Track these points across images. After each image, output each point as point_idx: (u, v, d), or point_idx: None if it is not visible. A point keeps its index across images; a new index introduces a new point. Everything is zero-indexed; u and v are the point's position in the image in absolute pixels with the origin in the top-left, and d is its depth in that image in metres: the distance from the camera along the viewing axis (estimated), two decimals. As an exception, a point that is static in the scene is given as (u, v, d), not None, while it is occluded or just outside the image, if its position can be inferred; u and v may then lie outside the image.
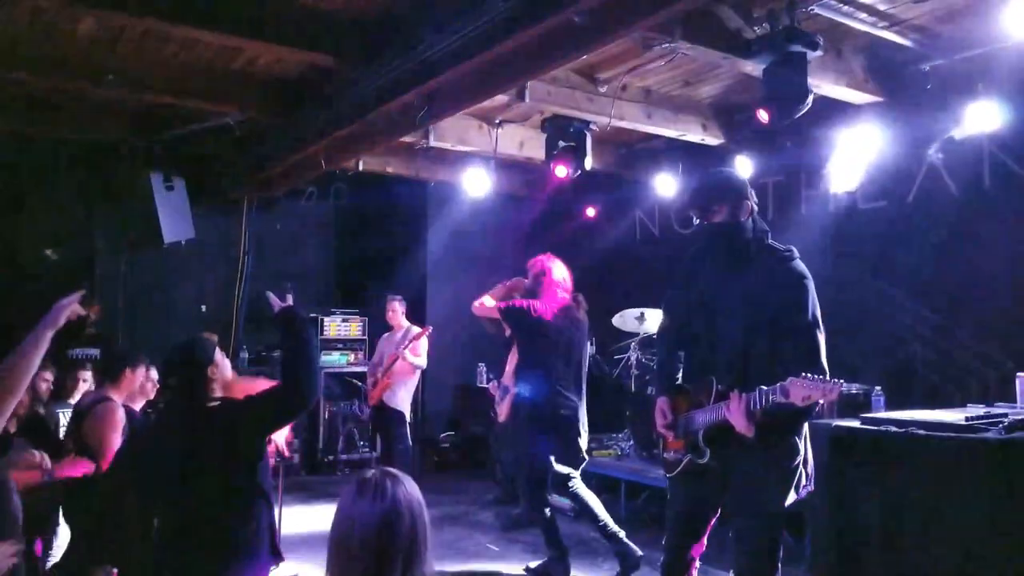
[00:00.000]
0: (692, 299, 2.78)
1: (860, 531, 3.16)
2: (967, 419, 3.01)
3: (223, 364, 2.65)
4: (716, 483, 2.68)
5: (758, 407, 2.44)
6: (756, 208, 2.76)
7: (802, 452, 2.64)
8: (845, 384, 4.82)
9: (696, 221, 2.78)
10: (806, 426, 2.69)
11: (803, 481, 2.67)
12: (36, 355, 2.18)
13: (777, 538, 2.65)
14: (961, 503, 2.86)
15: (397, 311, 6.16)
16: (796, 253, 2.69)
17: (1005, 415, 3.07)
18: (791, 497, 2.63)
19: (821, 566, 3.47)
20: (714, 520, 2.77)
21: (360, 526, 1.43)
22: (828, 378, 2.35)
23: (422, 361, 5.97)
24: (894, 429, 3.11)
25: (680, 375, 2.86)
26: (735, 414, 2.48)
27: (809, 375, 2.31)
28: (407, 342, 5.87)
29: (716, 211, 2.67)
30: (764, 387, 2.42)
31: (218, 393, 2.59)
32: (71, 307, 2.30)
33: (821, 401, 2.37)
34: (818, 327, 2.57)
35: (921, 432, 3.01)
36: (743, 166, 5.83)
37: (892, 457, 3.09)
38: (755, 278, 2.61)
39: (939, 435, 2.96)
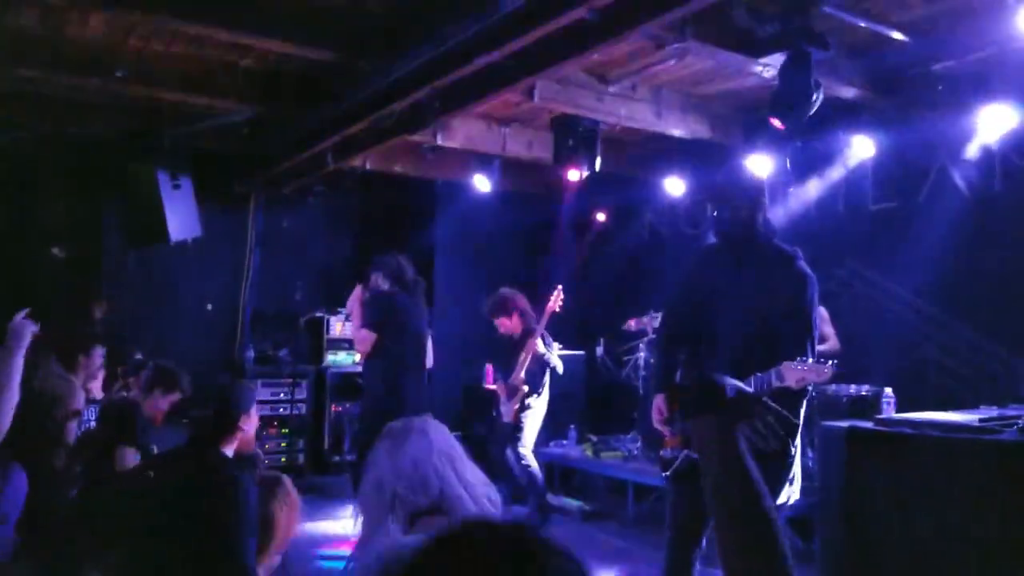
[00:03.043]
0: (696, 298, 2.80)
1: (873, 533, 3.13)
2: (981, 420, 2.99)
3: (254, 420, 2.51)
4: None
5: (752, 391, 2.47)
6: (767, 207, 2.77)
7: (794, 452, 2.64)
8: (855, 386, 4.85)
9: (714, 217, 2.78)
10: (799, 435, 2.69)
11: (794, 484, 2.68)
12: (15, 380, 2.12)
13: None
14: (976, 504, 2.84)
15: None
16: (800, 254, 2.72)
17: (1020, 416, 3.05)
18: (784, 496, 2.63)
19: (833, 569, 3.44)
20: (712, 520, 2.76)
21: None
22: (820, 361, 2.44)
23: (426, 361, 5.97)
24: (908, 431, 3.09)
25: (679, 374, 2.86)
26: None
27: (801, 359, 2.41)
28: None
29: (736, 209, 2.68)
30: (759, 373, 2.43)
31: (232, 448, 2.42)
32: (27, 324, 2.21)
33: (816, 382, 2.45)
34: (812, 327, 2.60)
35: (936, 433, 2.99)
36: (754, 166, 5.81)
37: (906, 458, 3.07)
38: (760, 277, 2.65)
39: (954, 436, 2.94)
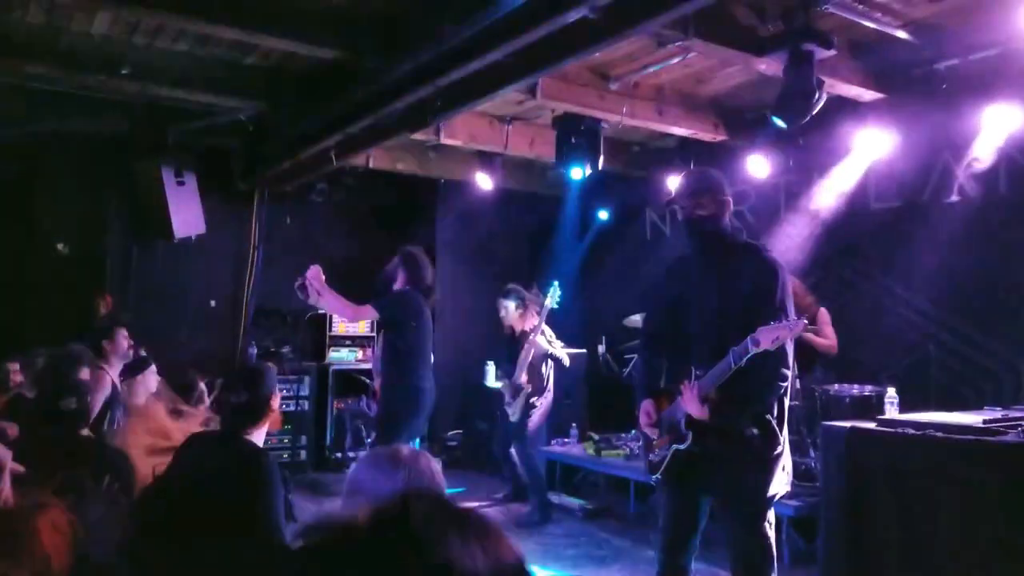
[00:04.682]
0: (672, 299, 2.83)
1: (876, 534, 3.13)
2: (985, 422, 2.98)
3: (278, 398, 2.53)
4: (699, 477, 2.70)
5: (734, 366, 2.50)
6: (733, 207, 2.83)
7: (782, 445, 2.65)
8: (858, 387, 4.84)
9: (680, 218, 2.83)
10: (786, 417, 2.71)
11: (788, 473, 2.69)
12: None
13: (763, 521, 2.67)
14: (979, 505, 2.83)
15: None
16: (769, 247, 2.80)
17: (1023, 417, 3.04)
18: (775, 487, 2.64)
19: (834, 571, 3.44)
20: (704, 522, 2.79)
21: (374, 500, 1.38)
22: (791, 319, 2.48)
23: None
24: (911, 431, 3.08)
25: (663, 379, 2.90)
26: (687, 400, 2.61)
27: (774, 322, 2.45)
28: None
29: (699, 207, 2.70)
30: (734, 347, 2.49)
31: (263, 431, 2.43)
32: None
33: (790, 337, 2.48)
34: (785, 312, 2.62)
35: (939, 434, 2.98)
36: (755, 165, 5.81)
37: (909, 459, 3.06)
38: (731, 273, 2.69)
39: (957, 437, 2.93)
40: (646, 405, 2.82)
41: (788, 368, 2.59)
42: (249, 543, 2.14)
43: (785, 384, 2.60)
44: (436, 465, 1.49)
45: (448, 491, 4.85)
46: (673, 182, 6.52)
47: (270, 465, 2.33)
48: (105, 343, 4.27)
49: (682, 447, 2.68)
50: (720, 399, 2.58)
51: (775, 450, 2.64)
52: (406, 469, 1.41)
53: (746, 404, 2.61)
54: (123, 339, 4.44)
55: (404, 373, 4.45)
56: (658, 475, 2.81)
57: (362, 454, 1.56)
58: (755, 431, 2.62)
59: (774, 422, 2.65)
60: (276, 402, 2.49)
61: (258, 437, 2.44)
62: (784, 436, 2.69)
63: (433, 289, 4.64)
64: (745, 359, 2.47)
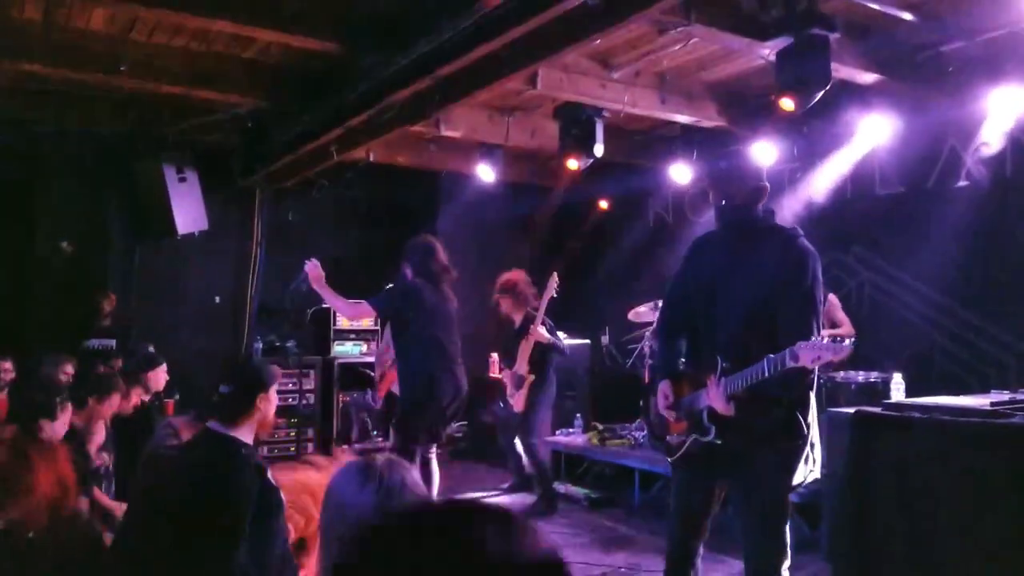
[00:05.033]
0: (696, 285, 2.78)
1: (881, 518, 3.11)
2: (992, 404, 2.96)
3: (272, 401, 2.49)
4: (718, 467, 2.67)
5: (768, 374, 2.42)
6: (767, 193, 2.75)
7: (808, 434, 2.61)
8: (864, 373, 4.82)
9: (715, 204, 2.75)
10: (814, 408, 2.66)
11: (810, 465, 2.64)
12: None
13: (784, 520, 2.63)
14: (986, 488, 2.81)
15: None
16: (801, 232, 2.70)
17: (1030, 401, 3.02)
18: (797, 479, 2.61)
19: (840, 555, 3.43)
20: (717, 507, 2.76)
21: (353, 514, 1.35)
22: (837, 340, 2.39)
23: None
24: (918, 415, 3.06)
25: (682, 361, 2.85)
26: (713, 397, 2.54)
27: (816, 337, 2.35)
28: None
29: (736, 195, 2.66)
30: (772, 355, 2.41)
31: (249, 430, 2.40)
32: None
33: (834, 360, 2.40)
34: (815, 302, 2.57)
35: (946, 418, 2.96)
36: (760, 152, 5.76)
37: (915, 443, 3.04)
38: (761, 258, 2.63)
39: (964, 420, 2.91)
40: (664, 387, 2.78)
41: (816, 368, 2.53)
42: (208, 544, 2.11)
43: (812, 376, 2.56)
44: (413, 475, 1.44)
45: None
46: (676, 171, 6.50)
47: (240, 463, 2.26)
48: (148, 374, 4.47)
49: (704, 440, 2.64)
50: (748, 398, 2.51)
51: (799, 445, 2.59)
52: (376, 482, 1.39)
53: (774, 404, 2.56)
54: (163, 375, 4.61)
55: (410, 363, 4.44)
56: (673, 458, 2.78)
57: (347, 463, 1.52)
58: (780, 427, 2.57)
59: (800, 417, 2.60)
60: (266, 405, 2.44)
61: (245, 435, 2.40)
62: (812, 424, 2.63)
63: (447, 270, 4.55)
64: (780, 371, 2.40)
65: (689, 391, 2.74)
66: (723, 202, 2.69)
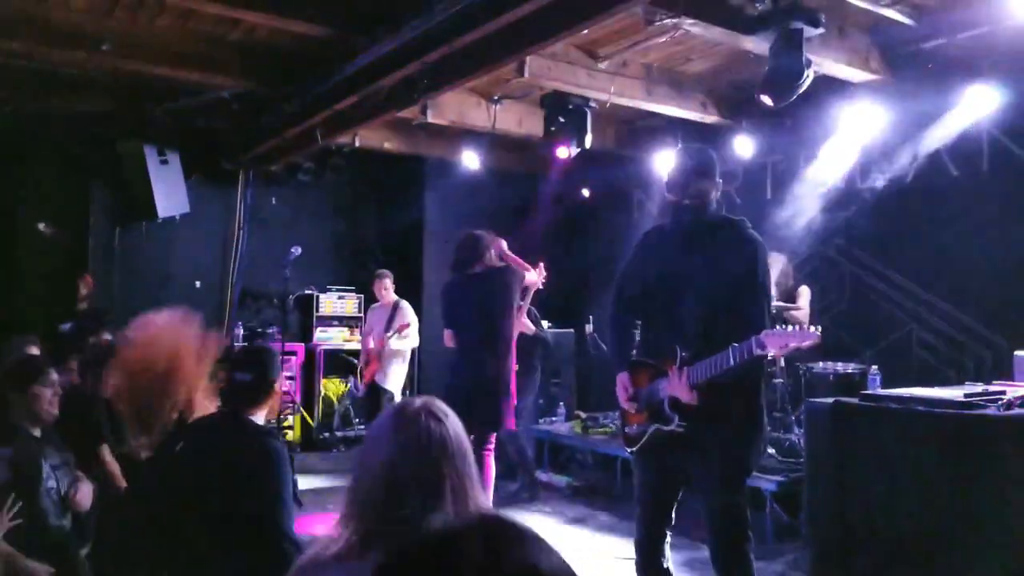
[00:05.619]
0: (651, 276, 2.80)
1: (860, 507, 3.19)
2: (967, 396, 3.04)
3: (282, 385, 2.52)
4: (680, 454, 2.71)
5: (733, 363, 2.48)
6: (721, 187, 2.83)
7: (763, 417, 2.69)
8: (841, 364, 4.90)
9: (668, 197, 2.78)
10: (763, 392, 2.74)
11: (761, 448, 2.72)
12: None
13: (744, 504, 2.70)
14: (960, 477, 2.90)
15: (389, 288, 6.14)
16: (748, 223, 2.76)
17: (1003, 392, 3.10)
18: (754, 462, 2.68)
19: (819, 543, 3.51)
20: (681, 492, 2.81)
21: (379, 450, 1.36)
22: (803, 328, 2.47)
23: (409, 343, 5.98)
24: (894, 406, 3.13)
25: (635, 352, 2.89)
26: (676, 387, 2.59)
27: (784, 326, 2.43)
28: (394, 329, 5.85)
29: (691, 193, 2.70)
30: (736, 344, 2.45)
31: (262, 413, 2.38)
32: None
33: (801, 347, 2.47)
34: (765, 291, 2.65)
35: (921, 408, 3.04)
36: (743, 145, 5.82)
37: (892, 433, 3.11)
38: (714, 250, 2.68)
39: (939, 411, 2.98)
40: (623, 379, 2.81)
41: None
42: (257, 533, 2.13)
43: (767, 362, 2.63)
44: (444, 428, 1.38)
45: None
46: (661, 160, 6.53)
47: (278, 447, 2.27)
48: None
49: (666, 428, 2.68)
50: (710, 386, 2.56)
51: (757, 424, 2.67)
52: (403, 432, 1.37)
53: (735, 392, 2.61)
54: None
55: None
56: (635, 448, 2.82)
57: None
58: (742, 410, 2.63)
59: (756, 399, 2.67)
60: (279, 385, 2.46)
61: (258, 419, 2.40)
62: (763, 407, 2.71)
63: (461, 260, 4.51)
64: (747, 359, 2.44)
65: (647, 382, 2.77)
66: (675, 197, 2.74)
